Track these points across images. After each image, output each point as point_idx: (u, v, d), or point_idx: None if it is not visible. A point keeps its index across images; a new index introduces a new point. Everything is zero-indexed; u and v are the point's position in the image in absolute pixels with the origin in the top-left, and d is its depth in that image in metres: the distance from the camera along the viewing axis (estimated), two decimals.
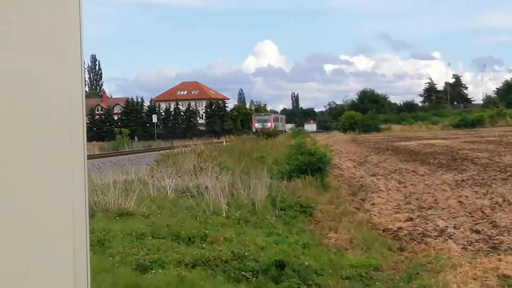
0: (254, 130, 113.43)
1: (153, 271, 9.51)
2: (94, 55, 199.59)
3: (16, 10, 5.84)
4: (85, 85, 7.50)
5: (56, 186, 6.38)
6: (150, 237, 12.43)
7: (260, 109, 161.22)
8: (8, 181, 5.42)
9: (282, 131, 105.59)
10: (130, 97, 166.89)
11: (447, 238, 14.16)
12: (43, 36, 6.23)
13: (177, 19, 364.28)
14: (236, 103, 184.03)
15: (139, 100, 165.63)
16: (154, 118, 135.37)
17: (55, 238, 6.38)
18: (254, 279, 9.83)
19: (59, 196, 6.45)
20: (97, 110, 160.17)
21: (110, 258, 10.24)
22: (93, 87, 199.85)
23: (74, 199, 6.66)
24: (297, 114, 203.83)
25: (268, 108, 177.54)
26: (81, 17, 6.96)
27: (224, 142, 67.04)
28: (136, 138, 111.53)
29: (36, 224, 5.96)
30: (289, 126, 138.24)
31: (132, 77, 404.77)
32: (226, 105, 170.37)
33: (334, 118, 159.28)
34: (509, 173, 26.79)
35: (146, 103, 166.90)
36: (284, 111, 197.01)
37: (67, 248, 6.70)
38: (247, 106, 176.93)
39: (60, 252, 6.39)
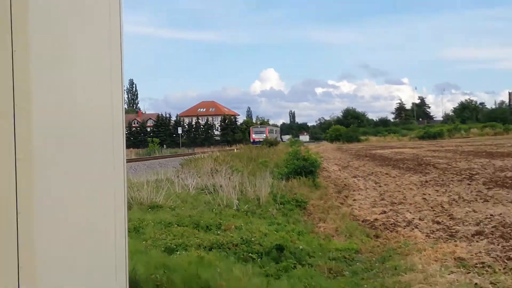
0: (251, 140, 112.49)
1: (178, 252, 9.57)
2: (132, 79, 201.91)
3: (81, 43, 5.89)
4: (124, 104, 7.53)
5: (101, 184, 6.47)
6: (176, 225, 12.55)
7: (264, 123, 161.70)
8: (70, 181, 5.51)
9: (278, 141, 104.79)
10: (160, 113, 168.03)
11: (413, 227, 14.21)
12: (96, 65, 6.31)
13: (199, 51, 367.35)
14: (245, 118, 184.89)
15: (167, 115, 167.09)
16: (179, 130, 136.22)
17: (101, 226, 6.46)
18: (259, 259, 9.91)
19: (104, 192, 6.54)
20: (134, 124, 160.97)
21: (143, 242, 10.31)
22: (131, 105, 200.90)
23: (116, 194, 6.75)
24: (294, 128, 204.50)
25: (271, 122, 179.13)
26: (123, 50, 7.01)
27: (235, 149, 67.11)
28: (164, 146, 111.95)
29: (88, 215, 6.04)
30: (287, 137, 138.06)
31: (162, 97, 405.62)
32: (236, 120, 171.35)
33: (323, 131, 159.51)
34: (463, 176, 26.84)
35: (173, 118, 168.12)
36: (283, 125, 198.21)
37: (110, 233, 6.76)
38: (254, 121, 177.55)
39: (105, 237, 6.47)
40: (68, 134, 5.23)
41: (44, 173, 4.54)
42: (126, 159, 6.79)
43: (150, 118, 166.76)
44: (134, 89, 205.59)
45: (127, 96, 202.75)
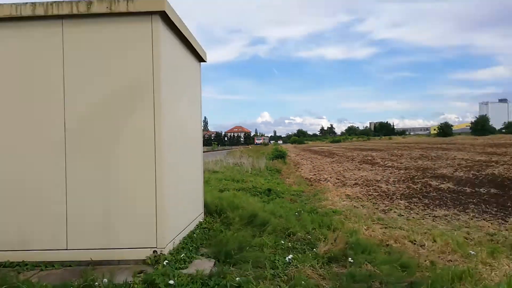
0: (255, 143, 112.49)
1: (224, 192, 9.50)
2: (205, 116, 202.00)
3: (186, 97, 5.86)
4: (201, 126, 7.45)
5: (196, 163, 6.42)
6: (224, 180, 12.49)
7: (260, 135, 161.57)
8: (182, 160, 5.43)
9: (267, 143, 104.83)
10: (217, 131, 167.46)
11: (327, 181, 14.19)
12: (192, 108, 6.20)
13: (235, 106, 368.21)
14: (254, 133, 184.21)
15: (220, 132, 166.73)
16: (225, 138, 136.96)
17: (194, 179, 6.43)
18: (260, 194, 9.88)
19: (197, 166, 6.50)
20: (205, 136, 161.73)
21: (209, 187, 10.25)
22: (204, 127, 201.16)
23: (199, 166, 6.72)
24: (275, 138, 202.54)
25: (267, 135, 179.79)
26: (201, 103, 6.93)
27: (249, 147, 66.86)
28: (219, 145, 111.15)
29: (190, 175, 5.97)
30: (272, 141, 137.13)
31: (214, 122, 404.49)
32: (250, 134, 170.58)
33: (288, 139, 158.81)
34: (349, 158, 26.77)
35: (223, 133, 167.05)
36: (270, 136, 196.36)
37: (198, 182, 6.72)
38: (257, 134, 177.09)
39: (196, 185, 6.43)
40: (181, 138, 5.32)
41: (169, 159, 4.61)
42: (203, 151, 6.91)
43: (212, 133, 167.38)
44: (205, 120, 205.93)
45: (203, 122, 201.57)
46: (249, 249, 4.61)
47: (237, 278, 3.48)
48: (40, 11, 4.30)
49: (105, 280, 3.37)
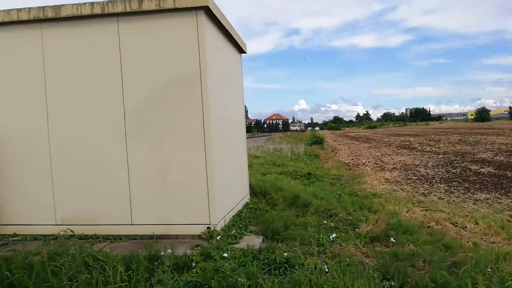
0: (290, 129, 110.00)
1: (267, 175, 9.55)
2: (245, 105, 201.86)
3: (232, 89, 5.99)
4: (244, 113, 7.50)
5: (239, 147, 6.55)
6: (265, 164, 12.57)
7: (296, 122, 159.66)
8: (229, 146, 5.53)
9: (304, 130, 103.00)
10: (255, 119, 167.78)
11: (366, 166, 13.93)
12: (236, 99, 6.24)
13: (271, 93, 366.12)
14: (291, 120, 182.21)
15: (260, 119, 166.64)
16: (265, 125, 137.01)
17: (240, 165, 6.52)
18: (300, 178, 9.89)
19: (241, 151, 6.59)
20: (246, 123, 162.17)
21: (252, 171, 10.38)
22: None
23: (243, 152, 6.79)
24: (312, 125, 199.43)
25: (304, 122, 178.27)
26: (243, 93, 6.94)
27: (288, 133, 66.60)
28: (258, 132, 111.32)
29: (236, 158, 6.07)
30: (309, 128, 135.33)
31: (253, 110, 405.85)
32: (288, 121, 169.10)
33: (324, 125, 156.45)
34: (386, 144, 26.05)
35: (262, 120, 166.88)
36: (308, 124, 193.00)
37: (243, 167, 6.86)
38: (294, 121, 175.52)
39: (241, 167, 6.53)
40: (227, 126, 5.44)
41: (216, 144, 4.74)
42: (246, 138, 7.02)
43: (252, 121, 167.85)
44: (245, 108, 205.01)
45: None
46: (294, 228, 4.68)
47: (285, 253, 3.57)
48: (97, 10, 4.52)
49: (169, 251, 3.58)
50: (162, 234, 4.45)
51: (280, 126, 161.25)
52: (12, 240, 4.67)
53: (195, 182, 4.46)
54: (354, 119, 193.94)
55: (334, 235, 4.39)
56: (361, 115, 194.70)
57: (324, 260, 3.66)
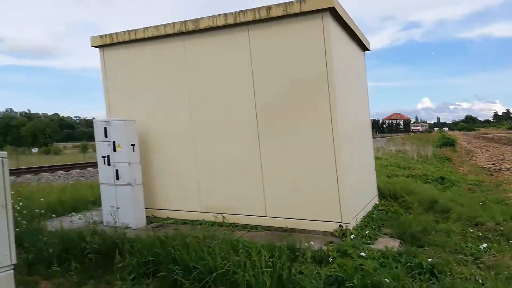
0: (411, 130, 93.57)
1: (392, 177, 9.10)
2: None
3: (359, 88, 5.86)
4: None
5: (367, 149, 6.22)
6: (389, 166, 11.92)
7: (419, 121, 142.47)
8: (357, 147, 5.43)
9: (429, 130, 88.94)
10: (373, 118, 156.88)
11: (511, 171, 12.08)
12: (362, 98, 6.10)
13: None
14: (414, 120, 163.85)
15: (377, 119, 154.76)
16: (383, 126, 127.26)
17: (368, 166, 6.25)
18: (432, 182, 9.11)
19: (368, 152, 6.31)
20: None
21: (377, 172, 9.85)
22: None
23: (370, 152, 6.51)
24: (439, 125, 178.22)
25: (429, 121, 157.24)
26: (367, 90, 6.69)
27: (410, 134, 61.43)
28: (377, 132, 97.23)
29: (365, 162, 5.84)
30: (436, 129, 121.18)
31: (371, 109, 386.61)
32: (409, 120, 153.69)
33: (454, 125, 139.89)
34: None
35: (380, 120, 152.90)
36: (434, 124, 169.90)
37: (370, 168, 6.52)
38: (418, 120, 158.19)
39: (368, 169, 6.23)
40: (353, 125, 5.34)
41: (344, 143, 4.68)
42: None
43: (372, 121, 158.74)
44: None
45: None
46: (434, 234, 4.33)
47: (429, 259, 3.33)
48: (230, 20, 4.89)
49: (306, 244, 3.69)
50: (295, 228, 4.60)
51: (401, 126, 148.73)
52: (166, 222, 5.39)
53: (325, 181, 4.47)
54: (491, 119, 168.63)
55: (485, 245, 3.92)
56: (500, 114, 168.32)
57: (476, 270, 3.30)
